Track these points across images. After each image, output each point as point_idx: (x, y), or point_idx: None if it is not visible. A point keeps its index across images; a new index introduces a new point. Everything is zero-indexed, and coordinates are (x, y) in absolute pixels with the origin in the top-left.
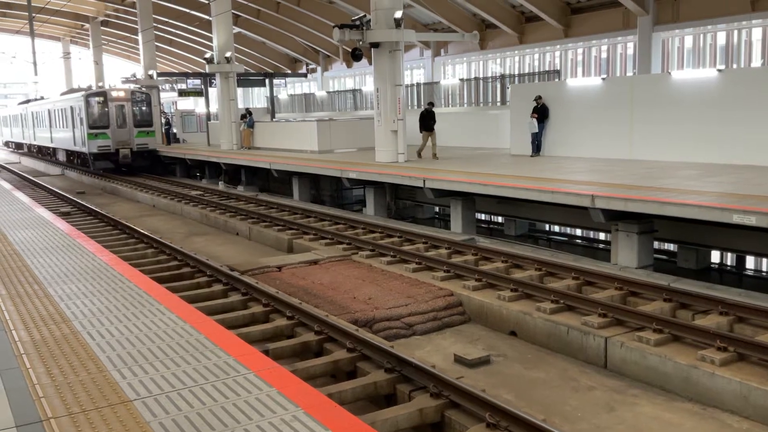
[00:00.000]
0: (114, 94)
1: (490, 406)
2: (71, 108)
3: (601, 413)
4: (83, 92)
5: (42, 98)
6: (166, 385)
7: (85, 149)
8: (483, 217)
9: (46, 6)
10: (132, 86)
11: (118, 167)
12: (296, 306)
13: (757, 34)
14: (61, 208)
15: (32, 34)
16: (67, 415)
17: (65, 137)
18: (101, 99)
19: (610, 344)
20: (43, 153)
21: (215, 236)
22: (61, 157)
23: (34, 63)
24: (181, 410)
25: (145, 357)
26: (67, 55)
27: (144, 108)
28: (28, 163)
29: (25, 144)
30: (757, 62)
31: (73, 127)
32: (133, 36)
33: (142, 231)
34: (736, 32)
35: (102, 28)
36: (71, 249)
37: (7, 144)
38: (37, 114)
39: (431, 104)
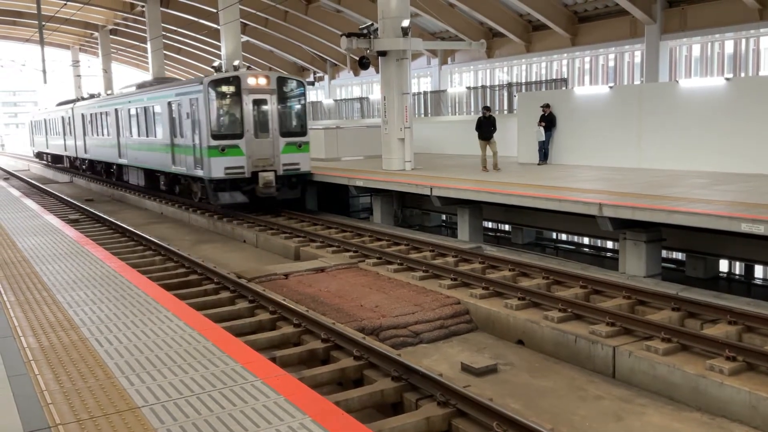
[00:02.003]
0: (251, 81)
1: (497, 415)
2: (169, 105)
3: (609, 423)
4: (200, 78)
5: (92, 96)
6: (173, 392)
7: (200, 172)
8: (490, 225)
9: (56, 15)
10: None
11: (256, 202)
12: (303, 313)
13: (765, 42)
14: (70, 215)
15: (42, 42)
16: (76, 421)
17: (154, 152)
18: (232, 90)
19: (618, 353)
20: (97, 171)
21: (222, 244)
22: (135, 179)
23: (44, 71)
24: (188, 417)
25: (153, 364)
26: (76, 63)
27: (296, 106)
28: (37, 170)
29: (68, 157)
30: (765, 71)
31: (172, 135)
32: (141, 44)
33: (150, 238)
34: (744, 41)
35: (111, 36)
36: (79, 256)
37: (39, 156)
38: (94, 117)
39: (488, 108)
